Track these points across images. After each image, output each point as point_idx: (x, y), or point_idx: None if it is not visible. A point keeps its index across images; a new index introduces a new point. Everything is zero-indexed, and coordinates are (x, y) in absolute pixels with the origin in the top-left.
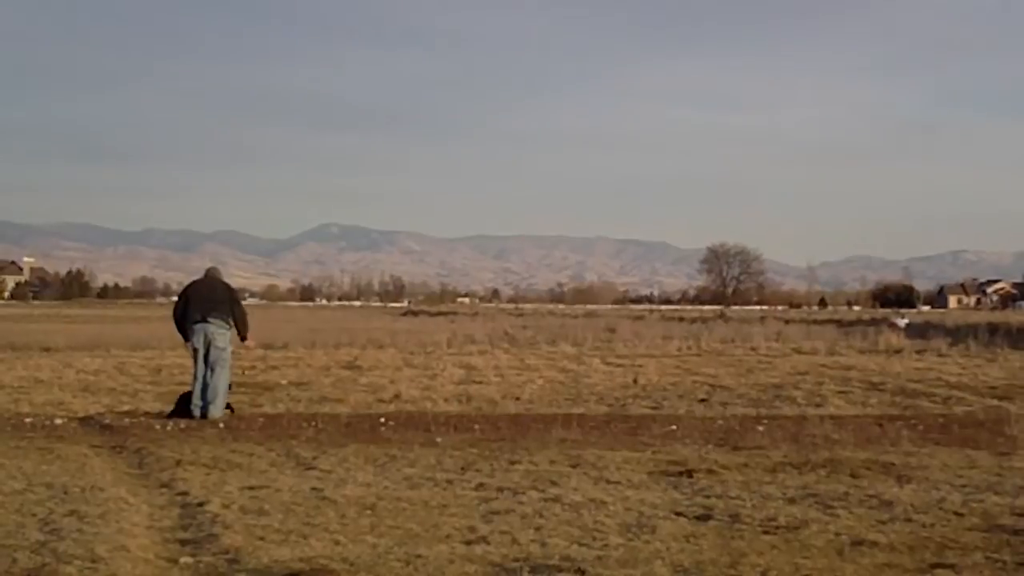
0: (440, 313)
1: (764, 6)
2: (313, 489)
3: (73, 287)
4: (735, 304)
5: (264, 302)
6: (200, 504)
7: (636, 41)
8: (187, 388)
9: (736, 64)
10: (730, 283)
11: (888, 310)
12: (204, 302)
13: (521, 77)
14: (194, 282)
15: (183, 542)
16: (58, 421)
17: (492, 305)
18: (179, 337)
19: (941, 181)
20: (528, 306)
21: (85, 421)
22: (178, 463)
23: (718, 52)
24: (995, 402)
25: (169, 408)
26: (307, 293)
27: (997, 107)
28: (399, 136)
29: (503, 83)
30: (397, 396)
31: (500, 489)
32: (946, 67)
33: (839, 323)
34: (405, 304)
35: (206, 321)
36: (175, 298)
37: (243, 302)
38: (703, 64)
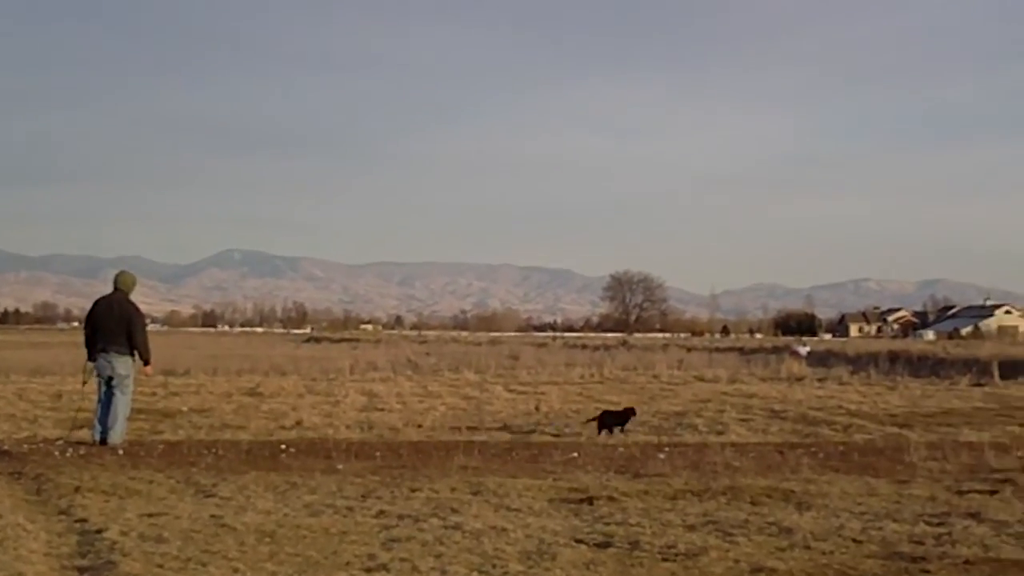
0: (343, 340)
1: (672, 34)
2: (212, 516)
3: None
4: (638, 331)
5: (166, 328)
6: (98, 531)
7: (541, 68)
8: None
9: (642, 92)
10: (633, 311)
11: (790, 338)
12: (108, 328)
13: (426, 103)
14: (99, 302)
15: (81, 569)
16: None
17: (395, 332)
18: (86, 360)
19: (844, 210)
20: (431, 333)
21: None
22: (77, 490)
23: (624, 79)
24: (895, 430)
25: (68, 434)
26: (209, 319)
27: (901, 138)
28: (303, 161)
29: (408, 108)
30: (299, 423)
31: (401, 516)
32: (851, 97)
33: (741, 351)
34: (308, 331)
35: (107, 350)
36: (76, 324)
37: (146, 326)
38: (609, 92)
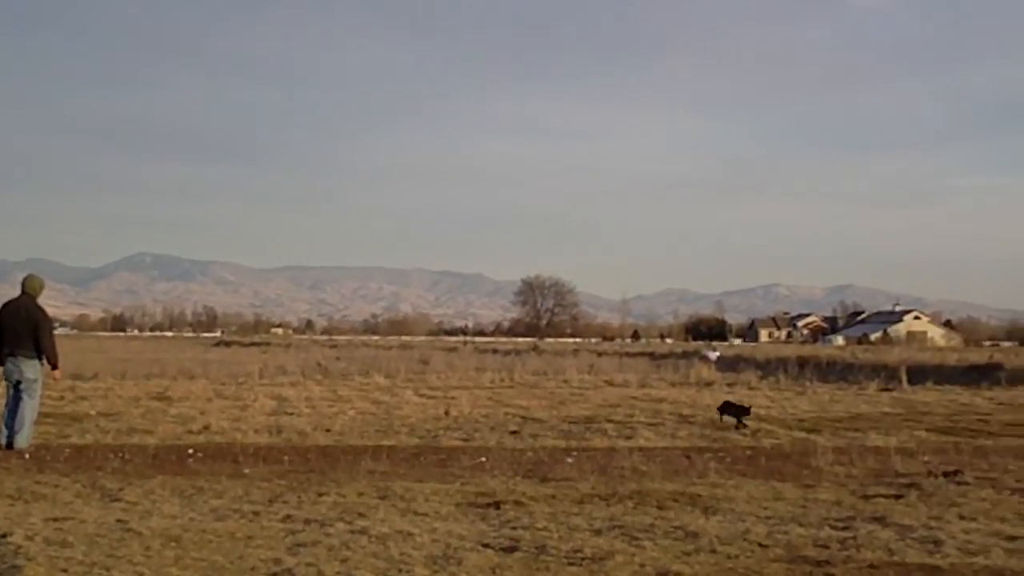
0: (253, 344)
1: (585, 40)
2: (118, 521)
3: None
4: (549, 336)
5: (75, 332)
6: (3, 536)
7: (453, 74)
8: None
9: (553, 97)
10: (544, 315)
11: (700, 343)
12: (15, 332)
13: (339, 108)
14: (7, 305)
15: None
16: None
17: (306, 336)
18: None
19: (755, 216)
20: (342, 337)
21: None
22: None
23: (535, 86)
24: (803, 434)
25: None
26: (119, 323)
27: (813, 145)
28: (215, 166)
29: (322, 114)
30: (207, 427)
31: (307, 521)
32: (763, 105)
33: (652, 356)
34: (218, 335)
35: (14, 355)
36: None
37: (54, 330)
38: (518, 97)
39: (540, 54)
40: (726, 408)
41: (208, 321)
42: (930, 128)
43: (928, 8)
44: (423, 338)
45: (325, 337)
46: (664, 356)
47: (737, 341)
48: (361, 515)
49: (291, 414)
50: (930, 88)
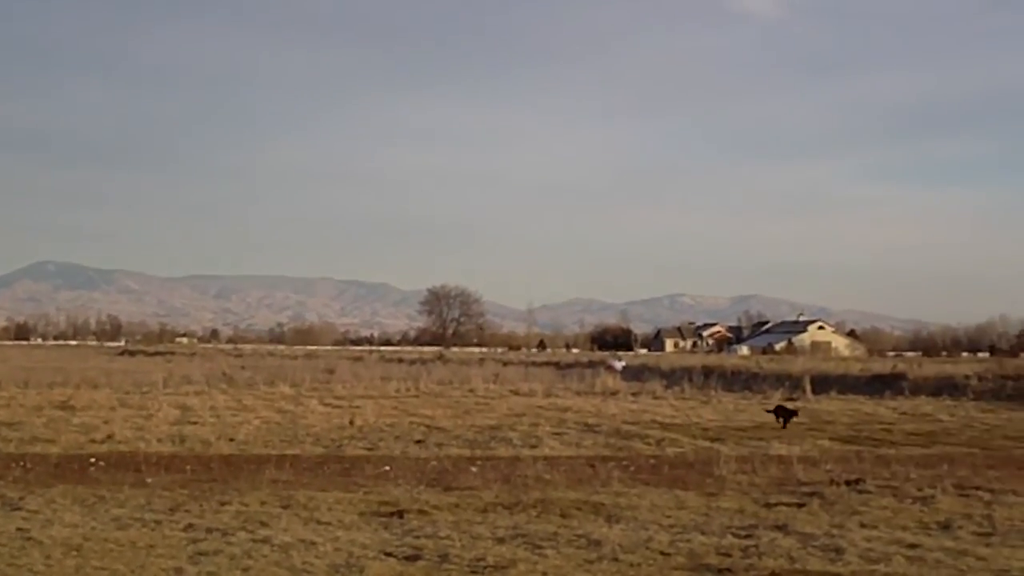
0: (157, 353)
1: (488, 49)
2: (19, 530)
3: None
4: (455, 346)
5: None
6: None
7: (361, 80)
8: None
9: (458, 105)
10: (450, 325)
11: (606, 353)
12: None
13: (242, 114)
14: None
15: None
16: None
17: (211, 346)
18: None
19: (660, 226)
20: (247, 347)
21: None
22: None
23: (438, 94)
24: (707, 443)
25: None
26: (22, 332)
27: (717, 154)
28: (119, 172)
29: (225, 119)
30: (110, 436)
31: (209, 530)
32: (668, 113)
33: (557, 365)
34: (122, 344)
35: None
36: None
37: None
38: (423, 105)
39: (445, 62)
40: (779, 411)
41: (112, 330)
42: (834, 136)
43: (823, 18)
44: (329, 348)
45: (230, 346)
46: (570, 366)
47: (643, 351)
48: (264, 524)
49: (195, 423)
50: (832, 96)
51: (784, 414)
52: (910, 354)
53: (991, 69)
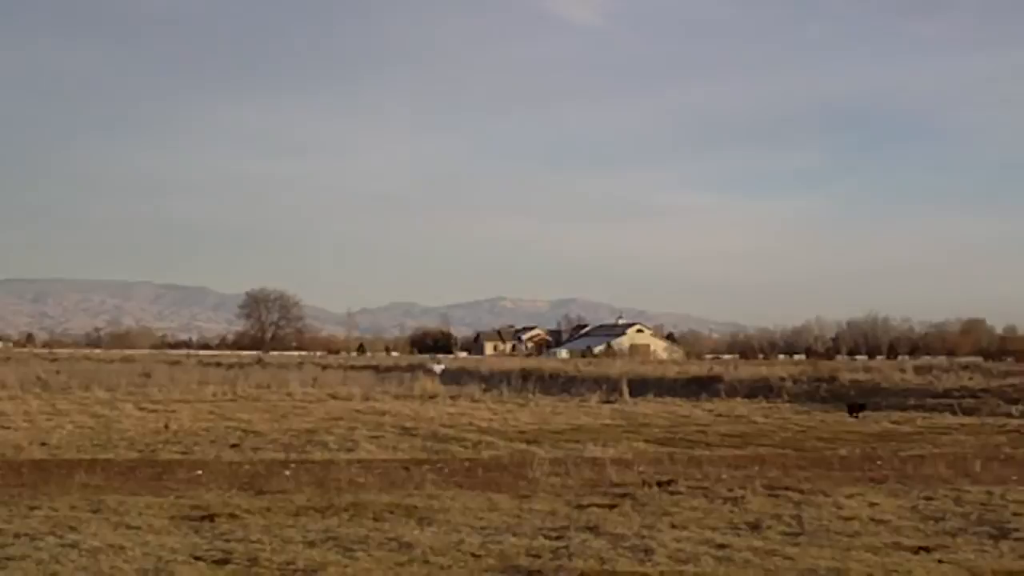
0: None
1: (306, 55)
2: None
3: None
4: (274, 350)
5: None
6: None
7: (176, 84)
8: None
9: (276, 110)
10: (269, 329)
11: (426, 356)
12: None
13: (59, 117)
14: None
15: None
16: None
17: (26, 350)
18: None
19: (480, 231)
20: (64, 351)
21: None
22: None
23: (257, 98)
24: (523, 446)
25: None
26: None
27: (538, 160)
28: None
29: (41, 122)
30: None
31: (17, 535)
32: (485, 120)
33: (376, 369)
34: None
35: None
36: None
37: None
38: (241, 109)
39: (263, 66)
40: (852, 407)
41: None
42: (655, 144)
43: (644, 28)
44: (146, 352)
45: (46, 351)
46: (389, 369)
47: (462, 354)
48: (73, 529)
49: (7, 428)
50: (653, 105)
51: (857, 408)
52: (727, 357)
53: (809, 80)
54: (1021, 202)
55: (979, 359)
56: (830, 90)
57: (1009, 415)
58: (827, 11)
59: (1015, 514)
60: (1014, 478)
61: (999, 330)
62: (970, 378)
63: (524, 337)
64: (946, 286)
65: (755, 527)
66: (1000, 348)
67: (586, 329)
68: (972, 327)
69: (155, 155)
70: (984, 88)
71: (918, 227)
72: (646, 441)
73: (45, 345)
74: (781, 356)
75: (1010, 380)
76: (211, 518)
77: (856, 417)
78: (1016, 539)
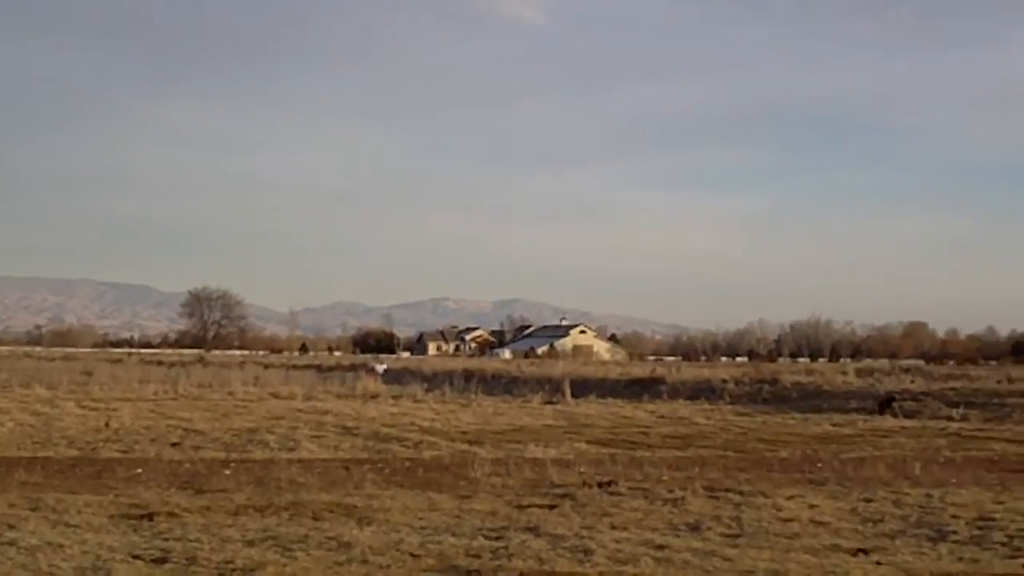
0: None
1: (251, 49)
2: None
3: None
4: (216, 348)
5: None
6: None
7: (117, 81)
8: None
9: (221, 107)
10: (211, 327)
11: (368, 356)
12: None
13: (5, 113)
14: None
15: None
16: None
17: None
18: None
19: (424, 230)
20: (4, 348)
21: None
22: None
23: (201, 94)
24: (465, 446)
25: None
26: None
27: (482, 160)
28: None
29: None
30: None
31: None
32: (430, 119)
33: (319, 368)
34: None
35: None
36: None
37: None
38: (185, 106)
39: (210, 64)
40: (882, 403)
41: None
42: (600, 144)
43: (592, 27)
44: (88, 350)
45: None
46: (331, 369)
47: (405, 354)
48: (11, 527)
49: None
50: (600, 104)
51: (886, 402)
52: (670, 359)
53: (754, 80)
54: (965, 204)
55: (921, 362)
56: (774, 90)
57: (950, 418)
58: (772, 12)
59: (953, 516)
60: (953, 481)
61: (941, 333)
62: (912, 381)
63: (467, 338)
64: (889, 289)
65: (695, 528)
66: (942, 351)
67: (529, 330)
68: (914, 330)
69: (99, 152)
70: (927, 88)
71: (861, 229)
72: (587, 442)
73: None
74: (723, 358)
75: (951, 383)
76: (150, 517)
77: (885, 414)
78: (954, 541)
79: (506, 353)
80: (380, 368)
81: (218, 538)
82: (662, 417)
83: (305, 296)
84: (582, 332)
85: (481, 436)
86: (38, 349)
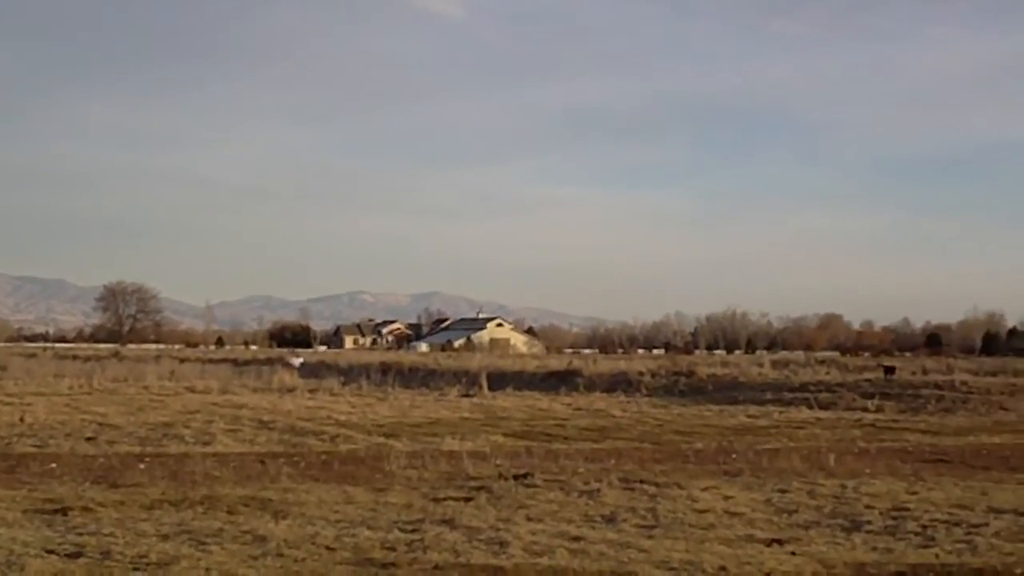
0: None
1: (171, 46)
2: None
3: None
4: (132, 343)
5: None
6: None
7: (35, 76)
8: None
9: (138, 103)
10: (127, 321)
11: (284, 350)
12: None
13: None
14: None
15: None
16: None
17: None
18: None
19: (340, 225)
20: None
21: None
22: None
23: (119, 90)
24: (381, 439)
25: None
26: None
27: (397, 155)
28: None
29: None
30: None
31: None
32: (345, 115)
33: (235, 362)
34: None
35: None
36: None
37: None
38: (102, 101)
39: (131, 60)
40: (887, 369)
41: None
42: (515, 139)
43: (507, 22)
44: (2, 344)
45: None
46: (247, 363)
47: (322, 348)
48: None
49: None
50: (514, 99)
51: (887, 371)
52: (587, 351)
53: (672, 75)
54: (880, 198)
55: (836, 354)
56: (693, 85)
57: (865, 409)
58: (689, 8)
59: (867, 507)
60: (867, 471)
61: (856, 325)
62: (827, 373)
63: (384, 331)
64: (804, 281)
65: (610, 520)
66: (857, 343)
67: (446, 323)
68: (829, 322)
69: (13, 146)
70: (844, 84)
71: (777, 222)
72: (504, 434)
73: None
74: (640, 350)
75: (866, 375)
76: (64, 511)
77: (888, 379)
78: (868, 531)
79: (423, 346)
80: (296, 362)
81: (132, 532)
82: (579, 409)
83: (221, 290)
84: (499, 325)
85: (397, 429)
86: None
